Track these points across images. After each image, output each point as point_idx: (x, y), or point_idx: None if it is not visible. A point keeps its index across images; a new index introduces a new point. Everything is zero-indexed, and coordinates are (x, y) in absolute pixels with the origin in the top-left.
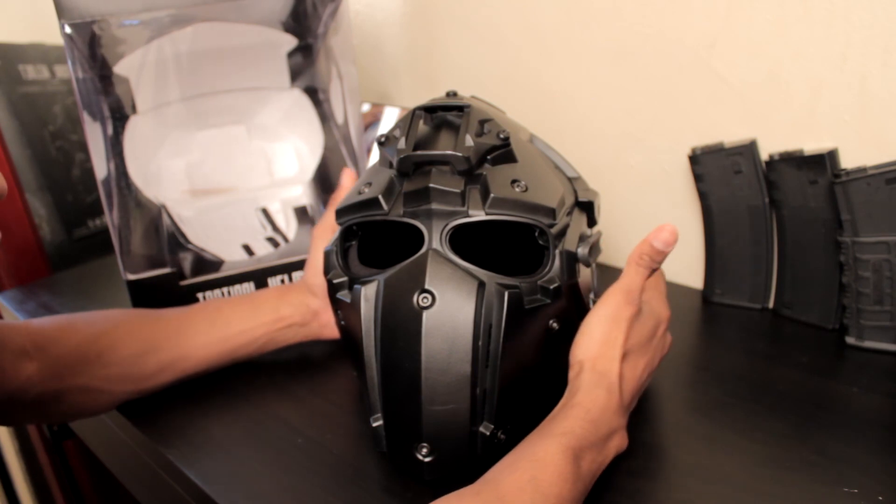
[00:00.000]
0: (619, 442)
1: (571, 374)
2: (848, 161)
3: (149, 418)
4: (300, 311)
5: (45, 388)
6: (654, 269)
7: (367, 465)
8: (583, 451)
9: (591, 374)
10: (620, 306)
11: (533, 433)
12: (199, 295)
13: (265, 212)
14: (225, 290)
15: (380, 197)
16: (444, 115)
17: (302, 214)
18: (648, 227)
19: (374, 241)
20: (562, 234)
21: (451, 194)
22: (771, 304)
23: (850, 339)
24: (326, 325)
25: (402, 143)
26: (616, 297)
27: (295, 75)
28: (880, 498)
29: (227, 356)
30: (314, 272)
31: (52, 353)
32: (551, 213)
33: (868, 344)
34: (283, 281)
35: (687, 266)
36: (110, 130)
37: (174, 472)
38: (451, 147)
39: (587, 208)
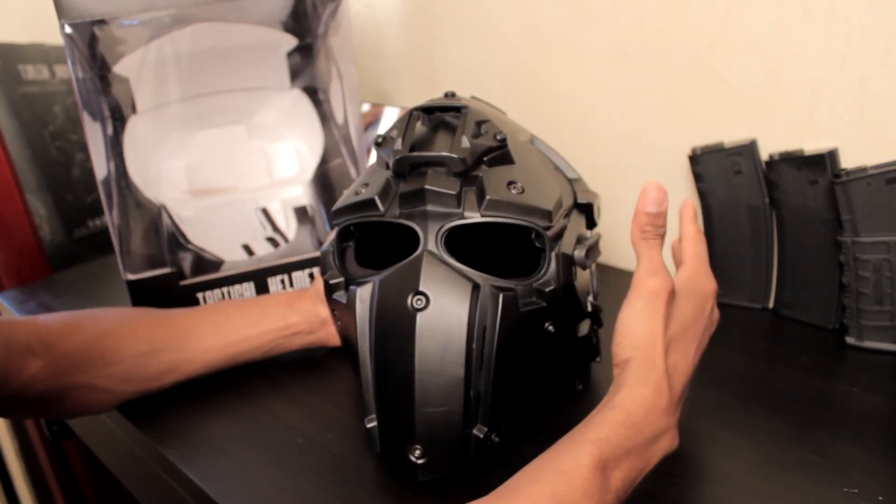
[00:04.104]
0: (668, 444)
1: (616, 371)
2: (848, 161)
3: (148, 418)
4: (308, 318)
5: (48, 386)
6: (662, 237)
7: (367, 465)
8: (617, 460)
9: (637, 370)
10: (652, 294)
11: (566, 437)
12: (199, 295)
13: (265, 212)
14: (225, 290)
15: (376, 198)
16: (441, 115)
17: (302, 214)
18: None
19: (371, 241)
20: (558, 236)
21: (447, 196)
22: (771, 304)
23: (850, 339)
24: (334, 334)
25: (398, 144)
26: (643, 285)
27: (295, 75)
28: (880, 498)
29: (232, 360)
30: None
31: (58, 351)
32: (547, 215)
33: (868, 344)
34: (283, 281)
35: None
36: (110, 130)
37: (174, 472)
38: (447, 148)
39: (586, 210)
